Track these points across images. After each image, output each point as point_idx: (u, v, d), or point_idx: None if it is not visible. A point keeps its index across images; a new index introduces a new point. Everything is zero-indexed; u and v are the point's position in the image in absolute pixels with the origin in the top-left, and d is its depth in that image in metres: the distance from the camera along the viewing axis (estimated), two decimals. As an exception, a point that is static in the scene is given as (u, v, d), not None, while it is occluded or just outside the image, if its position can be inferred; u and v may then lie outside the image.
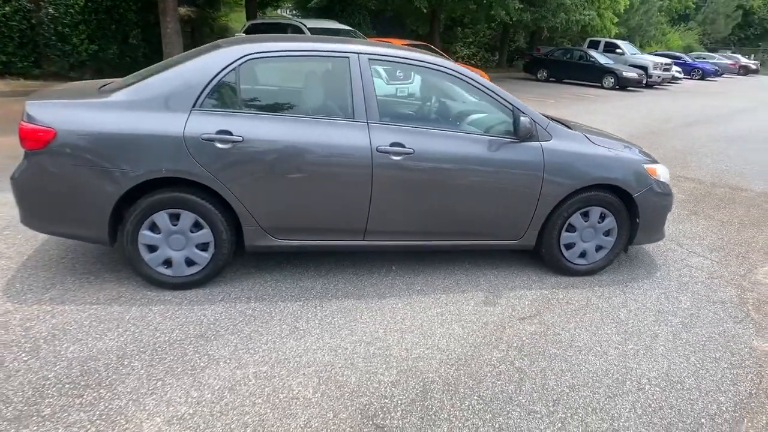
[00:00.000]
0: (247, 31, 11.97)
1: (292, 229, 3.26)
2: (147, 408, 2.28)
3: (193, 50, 3.49)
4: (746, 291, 3.79)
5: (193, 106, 2.98)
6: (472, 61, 23.90)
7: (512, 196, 3.46)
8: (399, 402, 2.42)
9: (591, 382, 2.65)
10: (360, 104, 3.21)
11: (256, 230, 3.19)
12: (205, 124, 2.97)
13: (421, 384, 2.55)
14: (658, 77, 22.13)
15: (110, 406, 2.27)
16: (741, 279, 3.98)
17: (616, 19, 24.57)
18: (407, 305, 3.27)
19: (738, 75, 35.81)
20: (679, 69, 26.59)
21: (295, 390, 2.45)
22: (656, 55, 26.77)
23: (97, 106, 2.97)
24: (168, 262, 3.17)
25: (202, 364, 2.59)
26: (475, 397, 2.49)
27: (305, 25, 11.01)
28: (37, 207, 3.05)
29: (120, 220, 3.10)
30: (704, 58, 34.04)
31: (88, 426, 2.16)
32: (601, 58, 20.84)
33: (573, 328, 3.14)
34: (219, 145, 2.97)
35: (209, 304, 3.11)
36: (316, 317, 3.06)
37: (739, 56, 39.03)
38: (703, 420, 2.45)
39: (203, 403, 2.33)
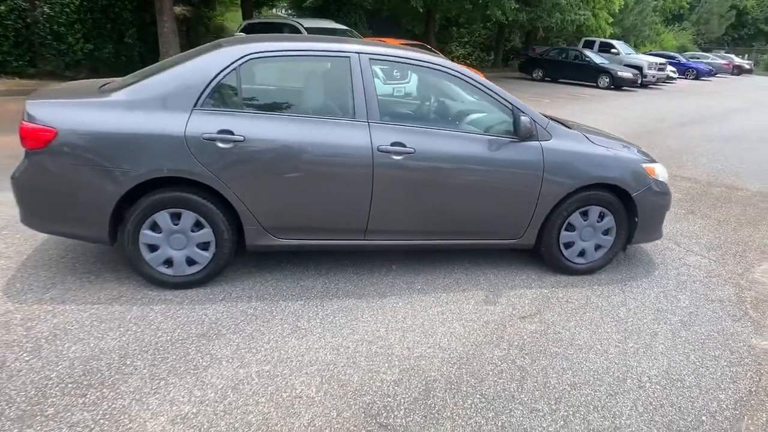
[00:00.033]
0: (243, 31, 11.93)
1: (293, 229, 3.26)
2: (150, 407, 2.28)
3: (193, 50, 3.49)
4: (744, 289, 3.82)
5: (195, 105, 2.98)
6: (468, 61, 23.92)
7: (512, 196, 3.48)
8: (402, 401, 2.43)
9: (592, 381, 2.67)
10: (361, 104, 3.21)
11: (257, 229, 3.19)
12: (207, 123, 2.97)
13: (424, 383, 2.56)
14: (653, 77, 22.23)
15: (113, 406, 2.27)
16: (739, 278, 4.01)
17: (611, 19, 24.69)
18: (408, 304, 3.28)
19: (732, 75, 36.02)
20: (674, 69, 26.71)
21: (298, 389, 2.45)
22: (651, 54, 26.87)
23: (98, 105, 2.96)
24: (169, 262, 3.17)
25: (204, 363, 2.59)
26: (478, 396, 2.50)
27: (302, 25, 10.99)
28: (37, 206, 3.04)
29: (120, 220, 3.09)
30: (698, 58, 34.21)
31: (92, 425, 2.16)
32: (597, 58, 20.93)
33: (573, 326, 3.16)
34: (220, 145, 2.97)
35: (210, 304, 3.11)
36: (317, 316, 3.07)
37: (732, 56, 39.26)
38: (703, 418, 2.47)
39: (207, 402, 2.33)
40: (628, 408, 2.49)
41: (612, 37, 25.67)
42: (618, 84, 19.88)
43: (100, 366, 2.51)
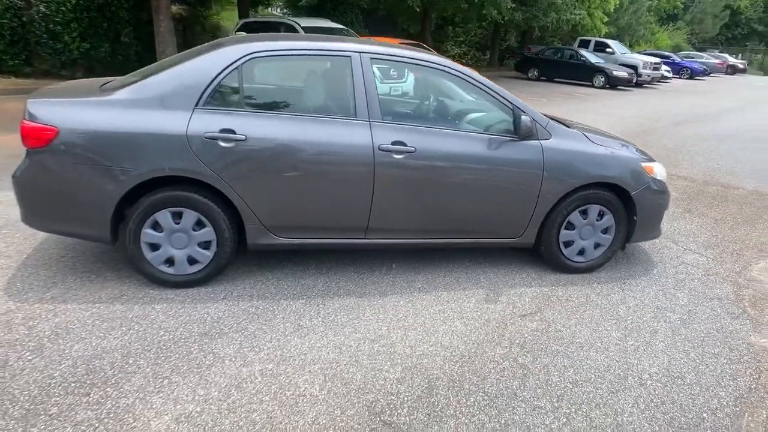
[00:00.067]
0: (240, 30, 11.92)
1: (294, 227, 3.27)
2: (154, 406, 2.28)
3: (194, 49, 3.48)
4: (742, 288, 3.85)
5: (196, 104, 2.98)
6: (463, 60, 23.95)
7: (512, 195, 3.49)
8: (405, 399, 2.44)
9: (593, 378, 2.69)
10: (362, 103, 3.22)
11: (258, 228, 3.19)
12: (208, 122, 2.97)
13: (427, 381, 2.57)
14: (648, 76, 22.34)
15: (117, 405, 2.27)
16: (736, 276, 4.04)
17: (606, 19, 24.76)
18: (409, 303, 3.29)
19: (726, 74, 36.22)
20: (668, 68, 26.84)
21: (301, 387, 2.46)
22: (646, 54, 26.98)
23: (100, 104, 2.96)
24: (170, 261, 3.16)
25: (207, 362, 2.59)
26: (480, 394, 2.51)
27: (299, 24, 10.98)
28: (38, 205, 3.03)
29: (121, 219, 3.09)
30: (693, 58, 34.39)
31: (96, 424, 2.16)
32: (592, 57, 21.00)
33: (574, 324, 3.18)
34: (222, 144, 2.97)
35: (212, 303, 3.11)
36: (319, 315, 3.07)
37: (726, 56, 39.48)
38: (704, 415, 2.49)
39: (210, 400, 2.33)
40: (630, 405, 2.51)
41: (607, 36, 25.75)
42: (613, 83, 19.96)
43: (103, 365, 2.51)
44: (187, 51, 3.52)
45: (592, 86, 20.17)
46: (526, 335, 3.02)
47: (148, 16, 11.06)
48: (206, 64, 3.06)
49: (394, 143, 3.20)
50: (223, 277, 3.39)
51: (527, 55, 23.83)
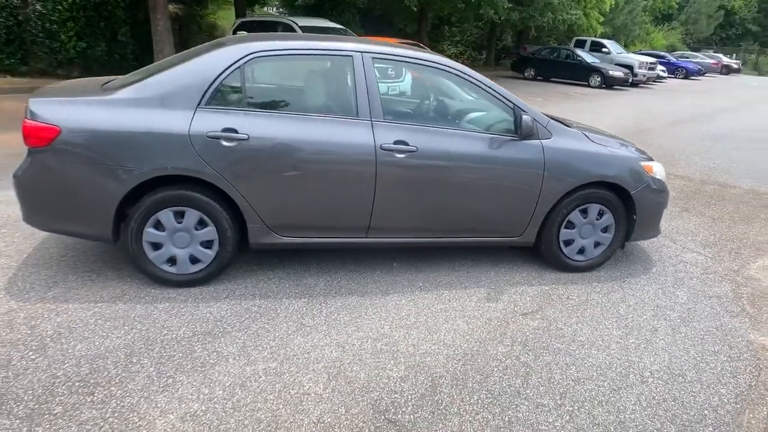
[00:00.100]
0: (237, 29, 11.90)
1: (297, 227, 3.27)
2: (159, 405, 2.28)
3: (195, 48, 3.48)
4: (740, 286, 3.87)
5: (199, 103, 2.98)
6: (459, 60, 23.96)
7: (513, 194, 3.51)
8: (409, 397, 2.45)
9: (595, 376, 2.70)
10: (364, 102, 3.22)
11: (260, 228, 3.20)
12: (211, 121, 2.97)
13: (430, 379, 2.58)
14: (644, 76, 22.44)
15: (122, 404, 2.27)
16: (735, 274, 4.07)
17: (601, 19, 24.86)
18: (411, 302, 3.30)
19: (720, 74, 36.40)
20: (664, 68, 26.95)
21: (305, 386, 2.47)
22: (641, 54, 27.08)
23: (102, 103, 2.95)
24: (172, 260, 3.16)
25: (211, 361, 2.59)
26: (484, 392, 2.52)
27: (297, 24, 10.97)
28: (40, 205, 3.02)
29: (123, 218, 3.09)
30: (688, 58, 34.53)
31: (101, 423, 2.16)
32: (588, 57, 21.08)
33: (575, 323, 3.20)
34: (224, 143, 2.97)
35: (214, 302, 3.11)
36: (321, 314, 3.08)
37: (721, 56, 39.68)
38: (706, 412, 2.51)
39: (215, 399, 2.33)
40: (632, 402, 2.53)
41: (603, 36, 25.87)
42: (609, 83, 20.04)
43: (106, 364, 2.51)
44: (188, 51, 3.52)
45: (588, 86, 20.24)
46: (527, 333, 3.04)
47: (144, 16, 11.02)
48: (208, 64, 3.06)
49: (396, 143, 3.21)
50: (225, 277, 3.39)
51: (523, 54, 23.90)
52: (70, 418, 2.17)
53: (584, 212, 3.72)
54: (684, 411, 2.50)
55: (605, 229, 3.82)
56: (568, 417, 2.40)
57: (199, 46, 3.52)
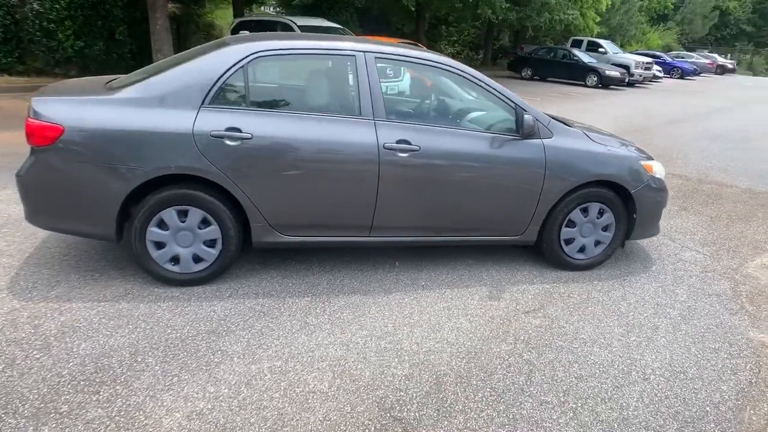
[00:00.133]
0: (235, 29, 11.88)
1: (300, 226, 3.28)
2: (165, 404, 2.28)
3: (198, 47, 3.49)
4: (739, 284, 3.90)
5: (202, 103, 2.98)
6: (457, 60, 23.99)
7: (515, 193, 3.52)
8: (414, 395, 2.46)
9: (598, 373, 2.72)
10: (367, 102, 3.23)
11: (263, 226, 3.20)
12: (214, 121, 2.97)
13: (434, 377, 2.60)
14: (640, 76, 22.52)
15: (128, 403, 2.27)
16: (733, 272, 4.10)
17: (598, 19, 24.91)
18: (414, 300, 3.31)
19: (715, 74, 36.56)
20: (660, 68, 27.05)
21: (311, 384, 2.47)
22: (637, 54, 27.18)
23: (105, 102, 2.95)
24: (175, 259, 3.17)
25: (216, 359, 2.60)
26: (488, 389, 2.54)
27: (295, 23, 10.96)
28: (43, 204, 3.02)
29: (126, 217, 3.09)
30: (683, 58, 34.69)
31: (108, 422, 2.16)
32: (585, 57, 21.14)
33: (576, 320, 3.22)
34: (228, 142, 2.98)
35: (218, 301, 3.12)
36: (325, 312, 3.09)
37: (716, 56, 39.86)
38: (707, 408, 2.53)
39: (221, 398, 2.34)
40: (635, 399, 2.55)
41: (599, 36, 25.92)
42: (606, 83, 20.12)
43: (111, 363, 2.51)
44: (191, 50, 3.52)
45: (585, 85, 20.30)
46: (530, 331, 3.06)
47: (142, 15, 10.99)
48: (212, 63, 3.07)
49: (398, 142, 3.22)
50: (228, 276, 3.39)
51: (520, 54, 23.94)
52: (76, 417, 2.17)
53: (585, 211, 3.74)
54: (686, 408, 2.52)
55: (606, 228, 3.84)
56: (571, 414, 2.42)
57: (202, 45, 3.53)
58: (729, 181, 7.02)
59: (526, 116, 3.39)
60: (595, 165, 3.63)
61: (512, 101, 3.52)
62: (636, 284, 3.77)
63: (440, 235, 3.59)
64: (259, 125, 3.04)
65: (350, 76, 3.29)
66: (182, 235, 3.11)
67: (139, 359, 2.55)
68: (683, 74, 30.41)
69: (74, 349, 2.58)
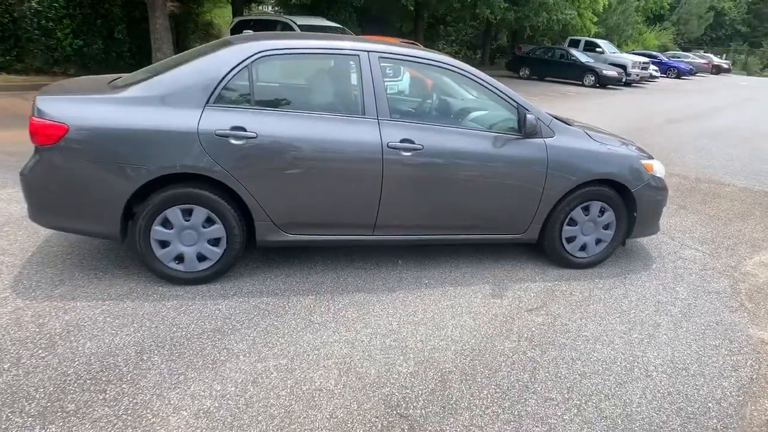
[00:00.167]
0: (235, 28, 11.86)
1: (304, 224, 3.29)
2: (172, 402, 2.29)
3: (203, 46, 3.50)
4: (738, 282, 3.93)
5: (207, 102, 2.99)
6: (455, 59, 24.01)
7: (517, 192, 3.54)
8: (420, 392, 2.48)
9: (601, 370, 2.74)
10: (370, 101, 3.25)
11: (268, 225, 3.21)
12: (219, 120, 2.98)
13: (439, 374, 2.61)
14: (637, 75, 22.61)
15: (135, 401, 2.28)
16: (732, 270, 4.13)
17: (595, 19, 24.99)
18: (417, 298, 3.32)
19: (711, 74, 36.71)
20: (656, 68, 27.14)
21: (317, 382, 2.49)
22: (634, 54, 27.26)
23: (110, 101, 2.96)
24: (180, 258, 3.17)
25: (222, 358, 2.60)
26: (493, 386, 2.56)
27: (295, 23, 10.95)
28: (47, 203, 3.03)
29: (130, 216, 3.09)
30: (679, 58, 34.80)
31: (115, 421, 2.17)
32: (582, 57, 21.20)
33: (579, 318, 3.24)
34: (233, 141, 2.99)
35: (223, 299, 3.13)
36: (329, 311, 3.10)
37: (711, 56, 40.03)
38: (710, 404, 2.55)
39: (228, 396, 2.35)
40: (638, 396, 2.57)
41: (596, 36, 25.98)
42: (603, 82, 20.18)
43: (117, 362, 2.52)
44: (195, 49, 3.53)
45: (583, 85, 20.36)
46: (533, 329, 3.08)
47: (141, 14, 10.99)
48: (216, 63, 3.07)
49: (402, 141, 3.24)
50: (233, 274, 3.40)
51: (518, 54, 23.97)
52: (83, 416, 2.18)
53: (586, 209, 3.76)
54: (688, 404, 2.54)
55: (606, 226, 3.86)
56: (576, 410, 2.44)
57: (206, 44, 3.54)
58: (727, 180, 7.06)
59: (528, 116, 3.40)
60: (596, 164, 3.65)
61: (515, 101, 3.54)
62: (637, 282, 3.80)
63: (443, 234, 3.60)
64: (264, 124, 3.04)
65: (354, 76, 3.30)
66: (187, 234, 3.12)
67: (145, 358, 2.56)
68: (679, 74, 30.54)
69: (79, 348, 2.59)
